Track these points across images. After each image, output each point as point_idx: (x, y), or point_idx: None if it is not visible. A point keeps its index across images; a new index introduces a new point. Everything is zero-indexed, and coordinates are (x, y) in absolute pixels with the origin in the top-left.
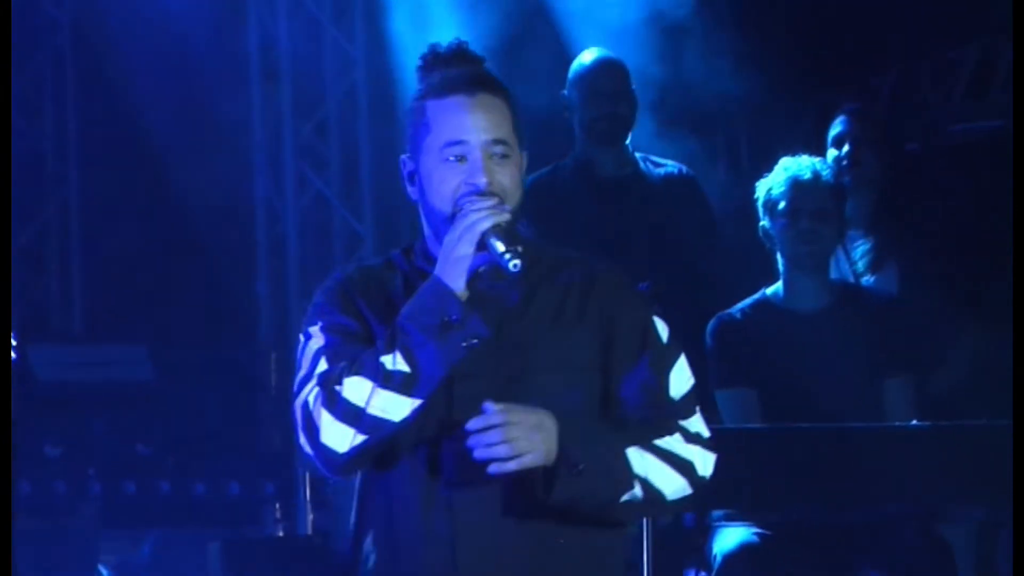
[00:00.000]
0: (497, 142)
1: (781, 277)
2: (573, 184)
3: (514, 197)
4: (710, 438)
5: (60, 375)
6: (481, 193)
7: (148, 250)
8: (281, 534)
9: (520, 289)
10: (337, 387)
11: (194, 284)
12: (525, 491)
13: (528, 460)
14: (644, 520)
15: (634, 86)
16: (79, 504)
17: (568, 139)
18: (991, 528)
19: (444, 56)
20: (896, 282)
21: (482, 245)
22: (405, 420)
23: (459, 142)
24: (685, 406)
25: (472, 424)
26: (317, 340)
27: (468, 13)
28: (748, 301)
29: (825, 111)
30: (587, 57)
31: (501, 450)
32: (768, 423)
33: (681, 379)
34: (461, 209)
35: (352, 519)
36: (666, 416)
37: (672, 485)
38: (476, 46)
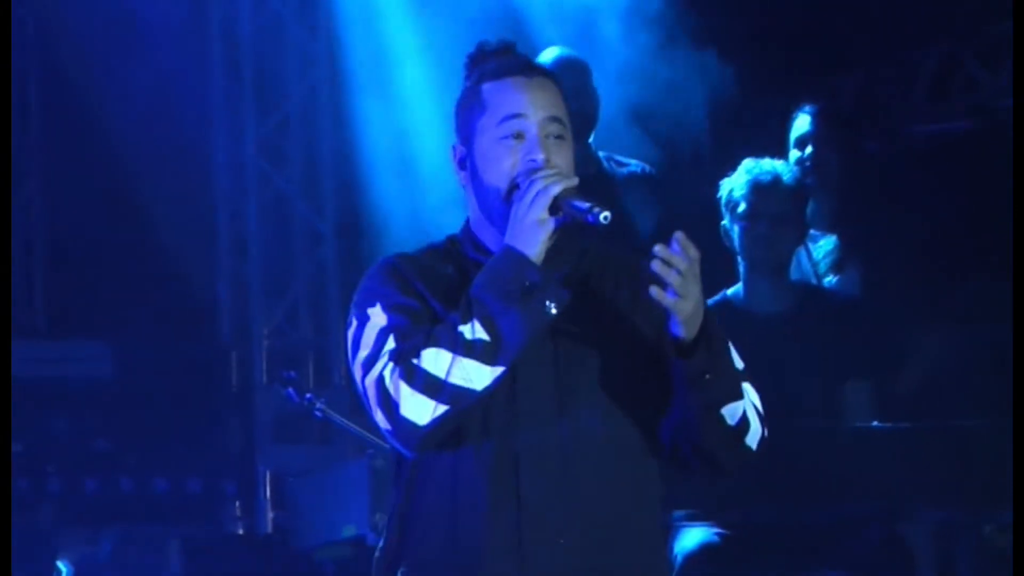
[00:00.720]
0: (554, 120)
1: (741, 278)
2: None
3: (571, 180)
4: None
5: (21, 371)
6: (539, 168)
7: (110, 247)
8: (241, 532)
9: (571, 274)
10: (415, 360)
11: (156, 282)
12: (596, 483)
13: (681, 304)
14: None
15: (596, 84)
16: (39, 501)
17: None
18: (950, 529)
19: (493, 50)
20: (859, 283)
21: (555, 209)
22: (487, 389)
23: (517, 115)
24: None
25: (659, 249)
26: (379, 319)
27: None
28: (709, 302)
29: (790, 112)
30: (547, 56)
31: (673, 277)
32: None
33: (737, 357)
34: (520, 184)
35: (394, 510)
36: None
37: (754, 425)
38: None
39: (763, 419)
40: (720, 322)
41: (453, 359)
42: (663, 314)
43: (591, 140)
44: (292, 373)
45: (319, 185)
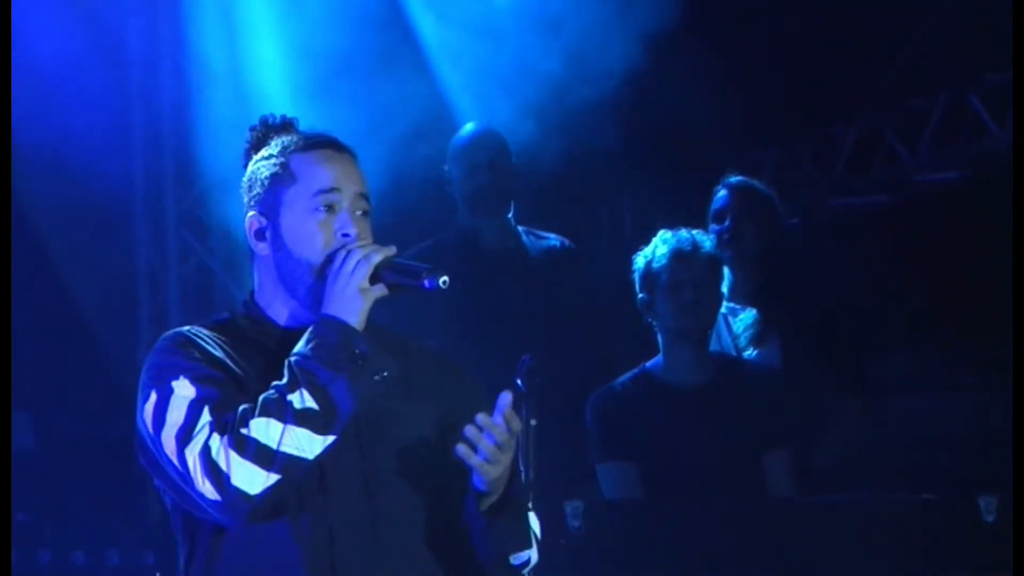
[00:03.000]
0: (363, 196)
1: (661, 350)
2: (455, 255)
3: None
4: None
5: None
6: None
7: (31, 317)
8: None
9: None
10: (244, 430)
11: (77, 352)
12: (407, 553)
13: (489, 468)
14: None
15: (514, 159)
16: None
17: (447, 211)
18: None
19: (277, 126)
20: (779, 356)
21: (375, 278)
22: (318, 457)
23: (332, 189)
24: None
25: (481, 419)
26: (185, 391)
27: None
28: (628, 375)
29: (708, 185)
30: (465, 131)
31: (486, 444)
32: (647, 496)
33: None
34: (335, 257)
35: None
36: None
37: (532, 556)
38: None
39: (539, 545)
40: (639, 395)
41: (284, 428)
42: (456, 410)
43: (510, 215)
44: None
45: (239, 254)
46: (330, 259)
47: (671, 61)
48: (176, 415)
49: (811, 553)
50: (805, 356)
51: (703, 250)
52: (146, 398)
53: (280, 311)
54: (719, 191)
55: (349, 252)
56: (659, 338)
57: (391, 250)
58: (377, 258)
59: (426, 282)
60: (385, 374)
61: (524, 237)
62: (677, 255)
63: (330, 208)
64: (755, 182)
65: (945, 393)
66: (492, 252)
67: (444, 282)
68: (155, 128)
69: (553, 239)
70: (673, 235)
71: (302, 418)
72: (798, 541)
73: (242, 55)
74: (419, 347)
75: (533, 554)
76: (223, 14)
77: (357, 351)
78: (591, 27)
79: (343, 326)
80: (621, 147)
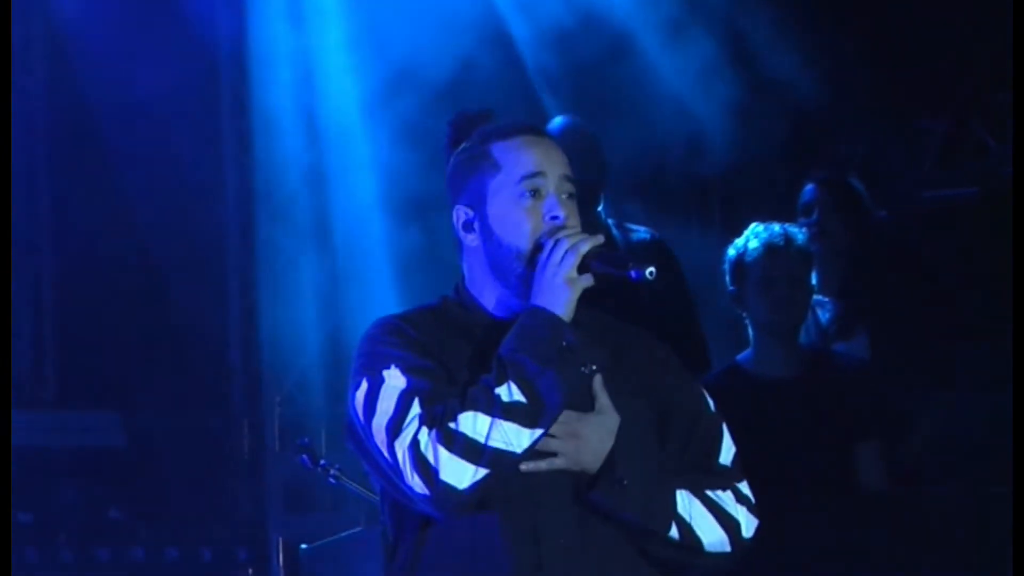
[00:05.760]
0: (568, 179)
1: (752, 344)
2: None
3: None
4: (756, 505)
5: (32, 441)
6: (562, 226)
7: (121, 317)
8: None
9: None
10: (451, 424)
11: (166, 349)
12: (613, 553)
13: (557, 462)
14: None
15: (603, 152)
16: (50, 572)
17: None
18: None
19: (473, 117)
20: (866, 348)
21: (583, 268)
22: (526, 451)
23: (537, 173)
24: (736, 469)
25: None
26: (397, 381)
27: None
28: (720, 369)
29: (797, 179)
30: (555, 124)
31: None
32: None
33: (728, 446)
34: (544, 244)
35: (400, 572)
36: (718, 475)
37: (712, 536)
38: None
39: (731, 525)
40: (731, 389)
41: (492, 422)
42: (658, 389)
43: (600, 208)
44: (306, 439)
45: (329, 247)
46: (539, 246)
47: (764, 57)
48: (386, 405)
49: (903, 546)
50: (893, 349)
51: (796, 244)
52: (357, 385)
53: (490, 299)
54: (806, 186)
55: (558, 242)
56: (750, 331)
57: (599, 239)
58: (585, 247)
59: (633, 272)
60: (594, 367)
61: (614, 231)
62: (770, 249)
63: (536, 193)
64: (843, 176)
65: None
66: None
67: (651, 272)
68: (246, 122)
69: (643, 232)
70: (765, 229)
71: (510, 412)
72: (890, 534)
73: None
74: (629, 332)
75: (700, 529)
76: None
77: (565, 343)
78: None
79: (551, 317)
80: (710, 141)
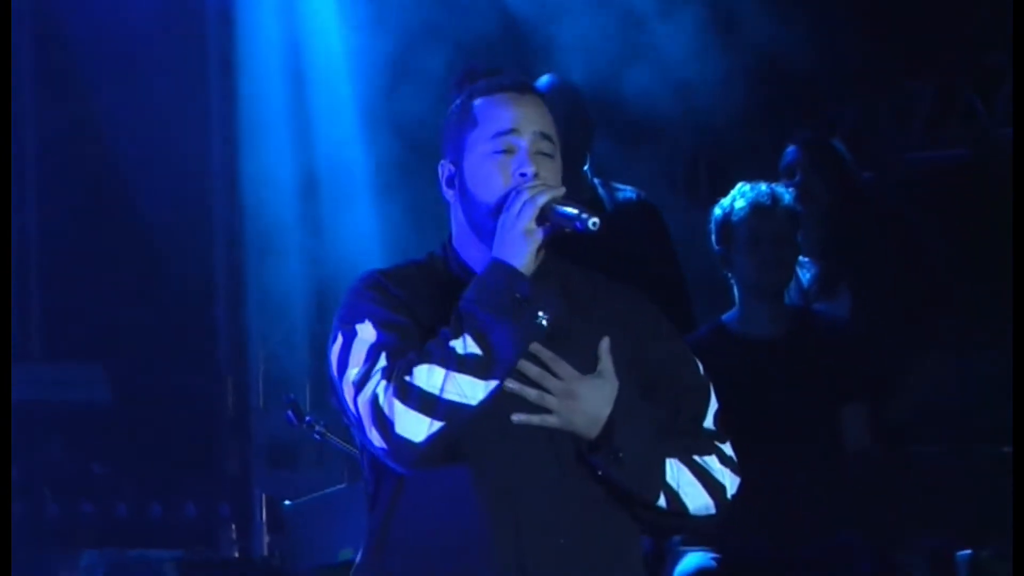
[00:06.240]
0: (544, 136)
1: (737, 303)
2: None
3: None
4: (737, 464)
5: (16, 394)
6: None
7: (107, 271)
8: (237, 555)
9: (556, 302)
10: (408, 377)
11: (153, 305)
12: (590, 498)
13: (549, 419)
14: None
15: (588, 110)
16: (35, 526)
17: None
18: (946, 557)
19: (481, 72)
20: (848, 309)
21: (543, 219)
22: (482, 403)
23: (509, 130)
24: (720, 431)
25: (525, 365)
26: (367, 335)
27: None
28: (704, 328)
29: (783, 141)
30: (540, 82)
31: (530, 394)
32: None
33: (714, 408)
34: (508, 195)
35: (375, 527)
36: (705, 439)
37: (698, 501)
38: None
39: (717, 489)
40: (715, 348)
41: (447, 375)
42: (644, 352)
43: (586, 167)
44: (291, 396)
45: (315, 208)
46: (504, 201)
47: (752, 20)
48: (356, 359)
49: (889, 506)
50: (874, 311)
51: (782, 204)
52: (333, 340)
53: (474, 256)
54: (788, 147)
55: (517, 194)
56: (735, 291)
57: (559, 191)
58: (543, 199)
59: (578, 223)
60: (548, 318)
61: (600, 189)
62: (756, 209)
63: (509, 150)
64: (825, 137)
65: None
66: None
67: (594, 223)
68: (229, 85)
69: (629, 191)
70: (752, 188)
71: (464, 364)
72: (875, 495)
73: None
74: (623, 291)
75: (686, 495)
76: None
77: (519, 295)
78: None
79: (508, 269)
80: (698, 101)
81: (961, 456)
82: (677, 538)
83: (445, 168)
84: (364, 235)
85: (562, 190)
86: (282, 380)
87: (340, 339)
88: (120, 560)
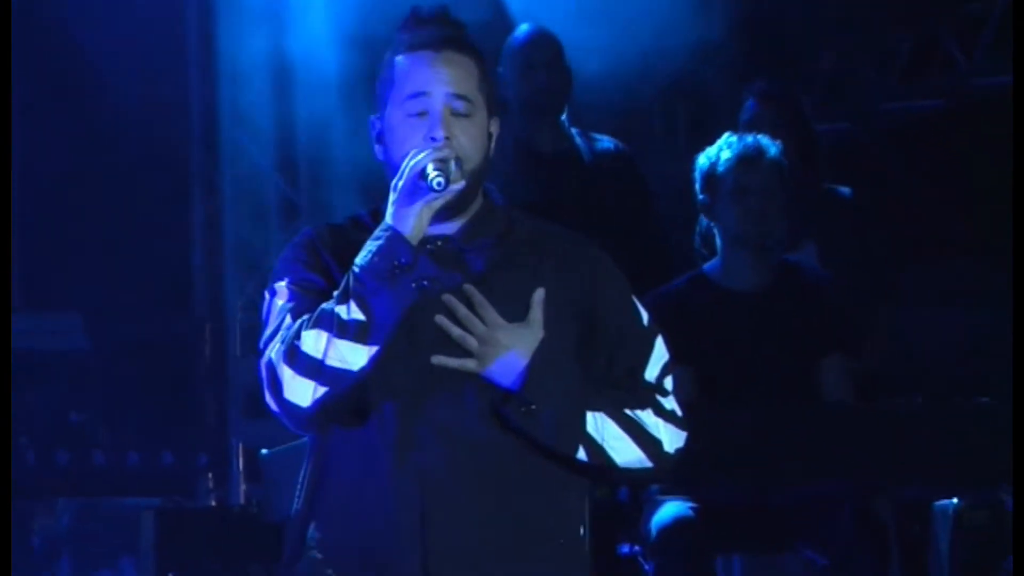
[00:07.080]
0: (459, 97)
1: (719, 254)
2: (510, 158)
3: (473, 159)
4: (683, 418)
5: None
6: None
7: (83, 218)
8: (214, 504)
9: (488, 255)
10: (296, 342)
11: (130, 253)
12: (494, 457)
13: (468, 364)
14: None
15: (568, 60)
16: (13, 473)
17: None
18: (925, 506)
19: (422, 18)
20: (814, 259)
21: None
22: (364, 369)
23: (421, 94)
24: (660, 385)
25: (451, 299)
26: (282, 296)
27: None
28: (684, 278)
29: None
30: (520, 32)
31: (453, 331)
32: (704, 400)
33: (658, 360)
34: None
35: (307, 475)
36: (642, 392)
37: (627, 455)
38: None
39: (649, 442)
40: (695, 298)
41: (329, 340)
42: (586, 301)
43: (564, 116)
44: None
45: (293, 156)
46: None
47: None
48: (272, 320)
49: (867, 457)
50: (839, 261)
51: (768, 155)
52: (263, 296)
53: None
54: (747, 101)
55: (409, 159)
56: (717, 241)
57: (442, 154)
58: (425, 163)
59: (426, 182)
60: (425, 283)
61: (578, 139)
62: (743, 160)
63: (422, 114)
64: (778, 88)
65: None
66: (547, 154)
67: (439, 184)
68: (207, 28)
69: (607, 141)
70: (739, 139)
71: (345, 329)
72: (854, 445)
73: None
74: (571, 240)
75: (612, 448)
76: None
77: (397, 262)
78: None
79: (392, 234)
80: (676, 51)
81: (938, 407)
82: (655, 487)
83: (375, 124)
84: (341, 184)
85: (448, 152)
86: (259, 328)
87: (266, 297)
88: (96, 508)
